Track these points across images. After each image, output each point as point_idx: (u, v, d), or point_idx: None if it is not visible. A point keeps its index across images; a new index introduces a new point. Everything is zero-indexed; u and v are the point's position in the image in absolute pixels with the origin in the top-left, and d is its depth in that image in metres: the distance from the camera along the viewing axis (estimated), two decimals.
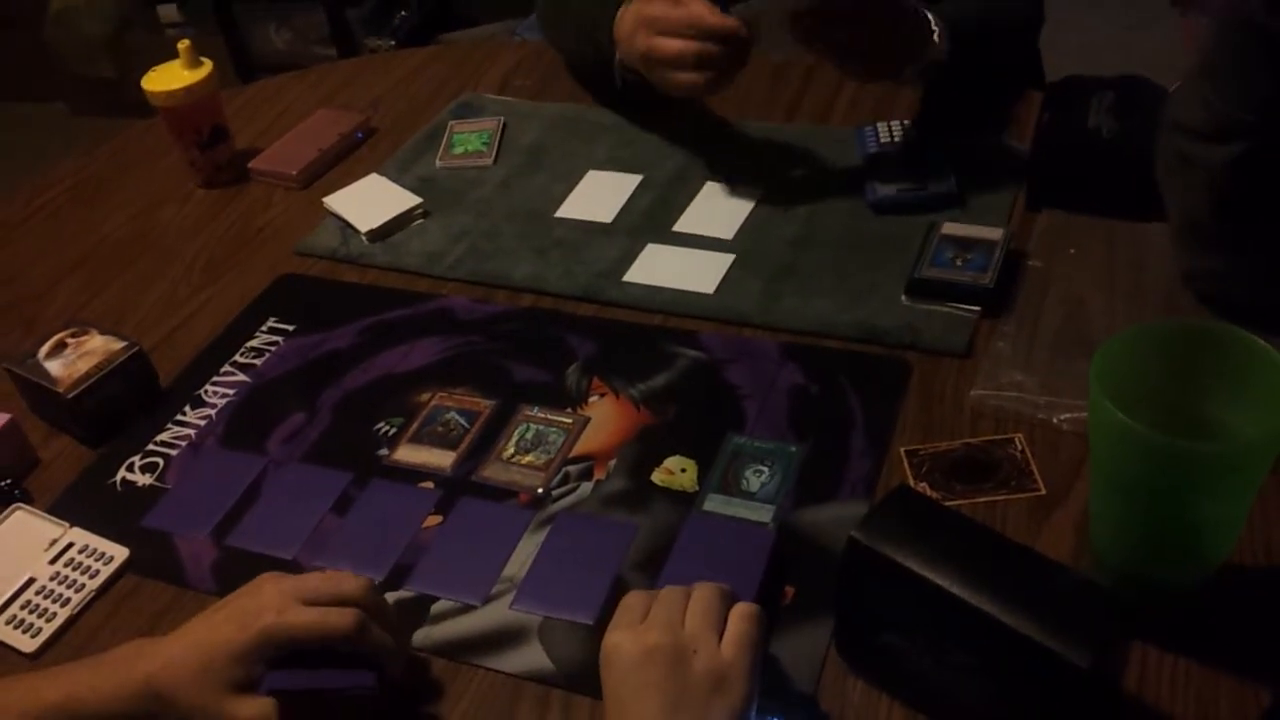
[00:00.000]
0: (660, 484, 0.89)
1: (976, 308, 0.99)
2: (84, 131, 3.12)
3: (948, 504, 0.82)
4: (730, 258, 1.10)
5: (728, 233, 1.13)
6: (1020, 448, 0.86)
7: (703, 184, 1.21)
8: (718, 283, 1.07)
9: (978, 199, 1.12)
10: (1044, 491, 0.83)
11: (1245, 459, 0.66)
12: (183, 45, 1.27)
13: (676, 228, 1.15)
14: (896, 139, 1.19)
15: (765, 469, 0.88)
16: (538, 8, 1.47)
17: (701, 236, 1.14)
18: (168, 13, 3.29)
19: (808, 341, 1.00)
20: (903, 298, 1.02)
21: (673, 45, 1.10)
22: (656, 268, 1.10)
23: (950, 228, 1.05)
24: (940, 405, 0.91)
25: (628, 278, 1.10)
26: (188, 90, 1.26)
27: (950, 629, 0.65)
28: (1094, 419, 0.70)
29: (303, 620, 0.70)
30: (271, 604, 0.70)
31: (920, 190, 1.12)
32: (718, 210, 1.17)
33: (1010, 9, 1.30)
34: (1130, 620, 0.65)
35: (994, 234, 1.04)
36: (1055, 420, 0.87)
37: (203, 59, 1.29)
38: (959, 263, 1.02)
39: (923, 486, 0.84)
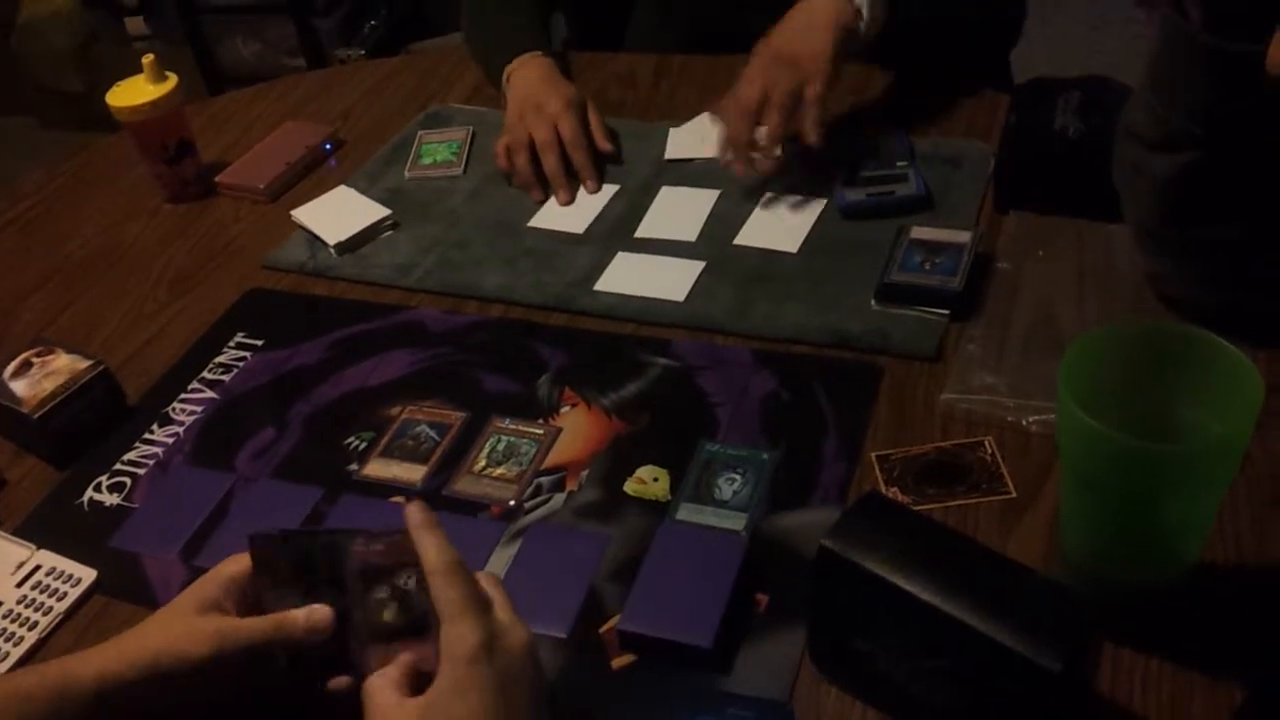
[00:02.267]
0: (633, 494, 0.88)
1: (946, 311, 0.99)
2: (52, 145, 3.09)
3: (919, 508, 0.82)
4: (700, 265, 1.10)
5: (690, 234, 1.14)
6: (990, 451, 0.86)
7: (672, 189, 1.21)
8: (688, 290, 1.07)
9: (946, 202, 1.12)
10: (1014, 494, 0.83)
11: (1212, 459, 0.67)
12: (147, 60, 1.26)
13: (639, 234, 1.15)
14: (864, 143, 1.20)
15: (738, 476, 0.88)
16: (464, 19, 1.49)
17: (666, 241, 1.14)
18: (135, 25, 3.27)
19: (779, 348, 1.00)
20: (872, 302, 1.02)
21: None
22: (627, 276, 1.10)
23: (919, 231, 1.06)
24: (911, 409, 0.92)
25: (599, 287, 1.09)
26: (153, 105, 1.25)
27: (922, 635, 0.65)
28: (1062, 422, 0.70)
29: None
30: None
31: (888, 194, 1.13)
32: (681, 214, 1.17)
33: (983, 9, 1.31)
34: (1101, 622, 0.66)
35: (962, 237, 1.04)
36: (1025, 422, 0.88)
37: (168, 73, 1.28)
38: (928, 266, 1.02)
39: (894, 491, 0.84)
